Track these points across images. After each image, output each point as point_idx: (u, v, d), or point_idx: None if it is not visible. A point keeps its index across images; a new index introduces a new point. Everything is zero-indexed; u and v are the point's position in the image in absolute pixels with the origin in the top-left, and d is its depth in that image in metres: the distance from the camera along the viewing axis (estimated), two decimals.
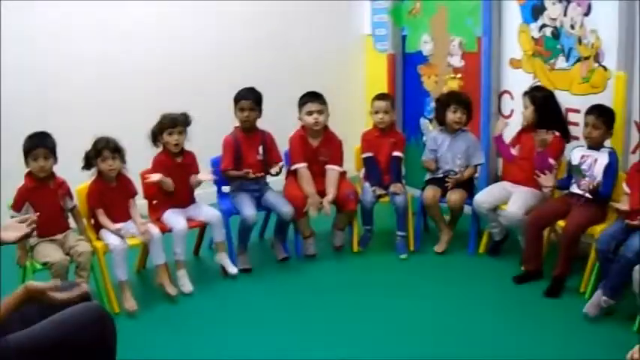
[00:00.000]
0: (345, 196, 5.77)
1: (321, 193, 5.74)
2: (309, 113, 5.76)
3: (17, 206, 4.59)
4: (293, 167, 5.84)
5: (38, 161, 4.60)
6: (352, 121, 6.85)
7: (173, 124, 5.17)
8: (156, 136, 5.24)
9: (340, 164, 5.92)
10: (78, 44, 6.30)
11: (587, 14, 5.42)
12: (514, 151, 5.67)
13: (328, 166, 5.86)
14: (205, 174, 5.50)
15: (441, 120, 5.96)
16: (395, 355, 4.23)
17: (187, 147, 5.36)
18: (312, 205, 5.63)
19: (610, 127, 5.05)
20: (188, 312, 4.86)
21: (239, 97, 5.59)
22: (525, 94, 5.57)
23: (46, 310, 2.99)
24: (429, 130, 7.02)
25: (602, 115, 5.04)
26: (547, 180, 5.25)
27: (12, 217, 4.34)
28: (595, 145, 5.08)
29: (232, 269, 5.35)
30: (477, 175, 6.09)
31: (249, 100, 5.56)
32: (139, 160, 5.22)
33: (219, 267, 5.43)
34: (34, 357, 2.84)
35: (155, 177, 5.12)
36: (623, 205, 4.71)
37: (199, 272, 5.46)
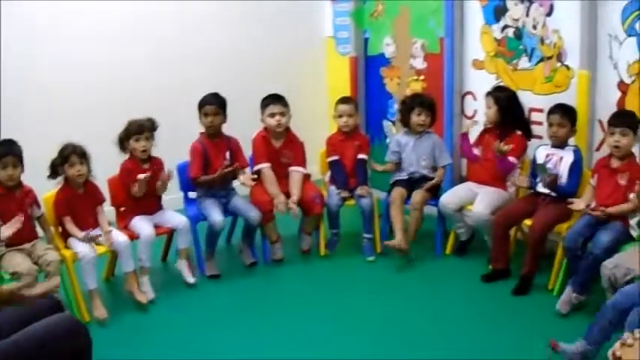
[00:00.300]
0: (311, 199, 5.76)
1: (286, 195, 5.74)
2: (272, 115, 5.76)
3: None
4: (256, 168, 5.83)
5: (7, 169, 4.55)
6: (315, 125, 6.84)
7: (140, 130, 5.14)
8: (123, 142, 5.20)
9: (303, 166, 5.92)
10: (42, 50, 6.23)
11: (549, 14, 5.45)
12: (477, 152, 5.68)
13: (292, 168, 5.86)
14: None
15: (405, 122, 5.95)
16: (365, 356, 4.23)
17: (154, 153, 5.32)
18: (279, 204, 5.63)
19: (574, 125, 5.10)
20: (158, 319, 4.83)
21: (203, 103, 5.57)
22: (488, 94, 5.60)
23: (20, 323, 2.95)
24: (393, 132, 7.02)
25: (566, 114, 5.09)
26: (521, 181, 5.25)
27: None
28: (560, 143, 5.13)
29: (190, 279, 5.31)
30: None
31: (213, 105, 5.54)
32: (106, 167, 5.18)
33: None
34: None
35: (143, 176, 5.09)
36: (579, 205, 4.77)
37: (168, 278, 5.42)
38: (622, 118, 4.71)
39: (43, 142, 4.85)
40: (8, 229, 4.19)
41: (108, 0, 6.43)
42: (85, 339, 3.19)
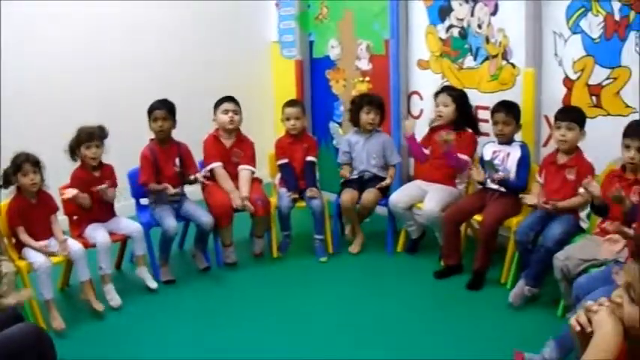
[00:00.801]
0: (254, 202, 5.72)
1: None
2: (225, 112, 5.79)
3: None
4: (208, 167, 5.81)
5: None
6: (262, 128, 6.80)
7: (90, 137, 5.06)
8: (74, 150, 5.11)
9: (253, 165, 5.92)
10: None
11: (494, 14, 5.52)
12: (427, 151, 5.69)
13: (241, 167, 5.86)
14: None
15: (355, 121, 5.98)
16: (319, 355, 4.20)
17: (105, 160, 5.26)
18: (236, 199, 5.63)
19: (518, 122, 5.17)
20: (116, 327, 4.75)
21: (152, 108, 5.54)
22: (443, 92, 5.61)
23: None
24: (339, 133, 7.01)
25: (510, 111, 5.14)
26: (477, 174, 5.25)
27: None
28: (506, 140, 5.18)
29: (152, 284, 5.27)
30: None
31: (162, 110, 5.51)
32: (58, 175, 5.09)
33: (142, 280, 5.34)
34: None
35: (71, 192, 4.97)
36: (531, 199, 4.80)
37: (123, 286, 5.31)
38: (568, 113, 4.77)
39: None
40: None
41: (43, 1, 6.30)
42: (50, 348, 3.17)
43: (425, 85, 6.15)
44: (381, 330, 4.50)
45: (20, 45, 6.19)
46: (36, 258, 4.65)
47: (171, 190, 5.39)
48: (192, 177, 5.59)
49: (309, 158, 5.98)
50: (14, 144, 4.88)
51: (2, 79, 6.07)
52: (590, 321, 2.09)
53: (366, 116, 5.85)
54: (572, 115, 4.73)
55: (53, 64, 6.43)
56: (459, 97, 5.55)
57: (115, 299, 4.99)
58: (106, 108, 6.35)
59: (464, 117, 5.54)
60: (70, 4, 6.43)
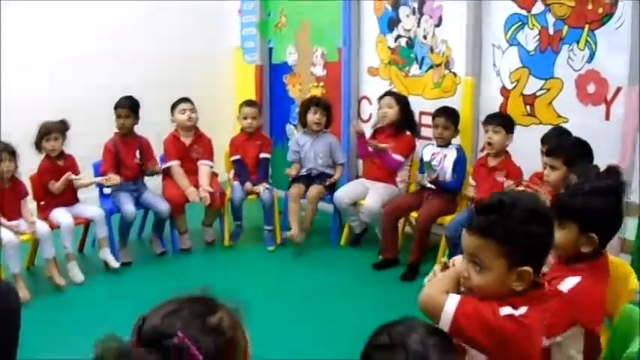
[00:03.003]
0: (212, 194, 5.81)
1: (195, 187, 5.81)
2: (182, 111, 5.89)
3: None
4: (166, 165, 5.89)
5: None
6: (221, 129, 6.72)
7: (48, 131, 5.23)
8: (38, 143, 5.27)
9: (211, 159, 6.02)
10: None
11: (438, 25, 5.58)
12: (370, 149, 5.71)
13: (200, 162, 5.94)
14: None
15: (303, 122, 6.06)
16: (260, 335, 4.12)
17: (72, 151, 5.42)
18: (191, 194, 5.71)
19: (457, 127, 5.25)
20: (76, 300, 4.90)
21: (116, 106, 5.67)
22: (387, 95, 5.67)
23: None
24: (295, 134, 6.99)
25: (450, 117, 5.24)
26: (424, 181, 5.25)
27: None
28: (444, 143, 5.25)
29: (114, 263, 5.38)
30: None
31: (125, 108, 5.64)
32: (27, 164, 5.20)
33: (102, 262, 5.42)
34: None
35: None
36: (471, 192, 4.93)
37: (85, 266, 5.38)
38: (494, 118, 4.93)
39: None
40: None
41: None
42: (16, 299, 3.34)
43: (374, 90, 6.16)
44: (318, 313, 4.60)
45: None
46: (5, 235, 4.78)
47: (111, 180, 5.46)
48: (156, 167, 5.76)
49: (263, 155, 6.06)
50: None
51: None
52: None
53: (312, 116, 5.92)
54: (498, 120, 4.85)
55: (38, 62, 6.42)
56: (402, 100, 5.62)
57: (77, 275, 5.16)
58: (75, 104, 6.28)
59: (405, 120, 5.59)
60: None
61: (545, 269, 2.82)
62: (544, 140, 4.41)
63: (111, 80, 6.59)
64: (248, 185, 5.86)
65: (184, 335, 1.40)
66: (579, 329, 2.55)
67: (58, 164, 5.28)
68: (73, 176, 5.27)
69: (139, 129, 5.77)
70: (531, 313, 1.97)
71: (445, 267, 2.18)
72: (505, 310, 1.95)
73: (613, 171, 2.78)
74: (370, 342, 1.77)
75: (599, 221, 2.57)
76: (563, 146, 3.94)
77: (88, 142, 5.60)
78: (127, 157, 5.65)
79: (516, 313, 1.96)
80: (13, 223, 4.91)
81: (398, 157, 5.50)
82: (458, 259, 2.19)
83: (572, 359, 2.55)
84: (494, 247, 1.97)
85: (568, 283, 2.55)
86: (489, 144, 4.79)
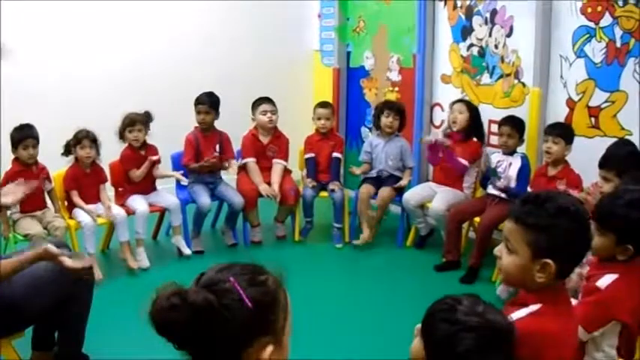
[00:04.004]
0: (287, 191, 5.95)
1: (268, 184, 5.93)
2: (264, 113, 5.99)
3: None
4: (243, 161, 6.01)
5: (28, 150, 4.85)
6: (300, 130, 6.86)
7: (132, 122, 5.41)
8: (121, 133, 5.46)
9: (286, 159, 6.13)
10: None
11: (509, 35, 5.60)
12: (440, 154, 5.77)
13: (274, 160, 6.06)
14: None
15: (377, 125, 6.13)
16: (325, 330, 4.34)
17: (152, 142, 5.59)
18: (264, 190, 5.84)
19: (522, 136, 5.28)
20: (146, 284, 4.94)
21: (197, 102, 5.81)
22: (459, 101, 5.73)
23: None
24: (369, 137, 7.09)
25: (515, 126, 5.27)
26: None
27: None
28: (509, 151, 5.29)
29: (186, 250, 5.54)
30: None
31: (205, 104, 5.77)
32: (110, 152, 5.45)
33: (175, 249, 5.60)
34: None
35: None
36: None
37: (157, 253, 5.62)
38: (554, 128, 4.93)
39: (57, 128, 5.12)
40: (9, 197, 4.26)
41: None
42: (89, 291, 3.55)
43: (447, 97, 6.21)
44: (380, 311, 4.66)
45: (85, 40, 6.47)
46: (84, 217, 5.05)
47: (209, 161, 5.64)
48: (225, 164, 5.84)
49: (335, 154, 6.15)
50: (80, 124, 5.18)
51: (69, 70, 6.40)
52: None
53: (386, 119, 5.98)
54: (558, 130, 4.85)
55: (115, 58, 6.68)
56: (473, 107, 5.68)
57: (144, 260, 5.30)
58: (161, 98, 6.53)
59: (474, 127, 5.64)
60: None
61: (584, 270, 2.92)
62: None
63: (193, 79, 6.77)
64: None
65: (235, 281, 1.62)
66: (616, 325, 2.62)
67: (140, 153, 5.48)
68: (155, 158, 5.46)
69: (219, 124, 5.91)
70: (545, 310, 2.08)
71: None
72: (516, 315, 2.07)
73: None
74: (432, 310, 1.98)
75: (636, 234, 2.62)
76: (616, 158, 3.95)
77: (169, 135, 5.72)
78: (206, 150, 5.77)
79: (527, 310, 2.09)
80: (91, 206, 5.13)
81: (463, 161, 5.53)
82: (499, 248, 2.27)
83: (606, 354, 2.63)
84: (522, 233, 2.09)
85: (605, 280, 2.63)
86: (548, 153, 4.82)
